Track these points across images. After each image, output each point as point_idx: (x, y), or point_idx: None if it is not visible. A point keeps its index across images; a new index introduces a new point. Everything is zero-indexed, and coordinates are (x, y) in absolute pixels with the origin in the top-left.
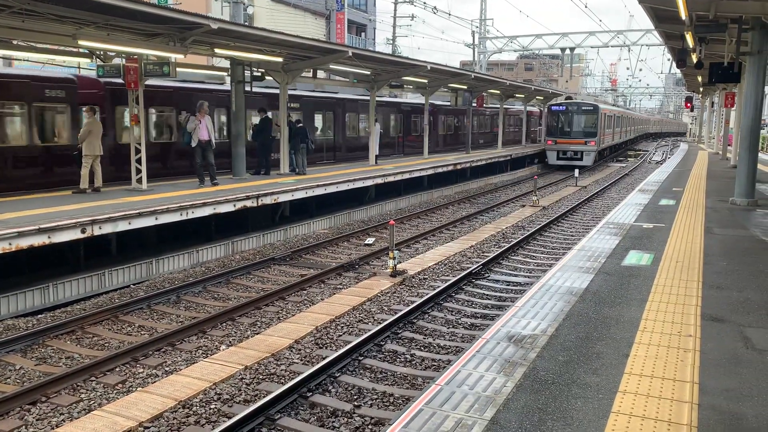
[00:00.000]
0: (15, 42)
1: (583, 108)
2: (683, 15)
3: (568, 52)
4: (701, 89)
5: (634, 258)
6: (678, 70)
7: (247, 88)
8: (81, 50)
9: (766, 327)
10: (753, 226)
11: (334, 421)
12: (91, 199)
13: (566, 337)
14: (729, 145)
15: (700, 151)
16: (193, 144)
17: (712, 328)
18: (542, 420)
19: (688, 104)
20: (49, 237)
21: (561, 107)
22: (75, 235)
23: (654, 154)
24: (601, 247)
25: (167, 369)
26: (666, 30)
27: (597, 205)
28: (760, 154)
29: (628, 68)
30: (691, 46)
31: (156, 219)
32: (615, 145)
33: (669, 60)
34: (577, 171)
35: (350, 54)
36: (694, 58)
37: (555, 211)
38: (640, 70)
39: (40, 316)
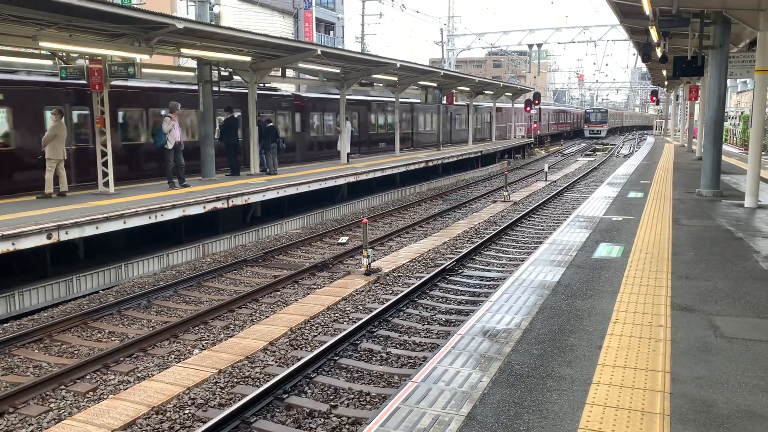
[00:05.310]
0: None
1: (600, 110)
2: (647, 10)
3: (535, 48)
4: (666, 83)
5: (605, 250)
6: (643, 65)
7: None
8: (42, 52)
9: (734, 315)
10: (719, 217)
11: (310, 422)
12: (56, 204)
13: (540, 331)
14: (694, 137)
15: (667, 143)
16: (169, 146)
17: (682, 318)
18: (518, 414)
19: (654, 98)
20: (13, 244)
21: (591, 110)
22: (41, 241)
23: (622, 147)
24: (571, 240)
25: (139, 375)
26: (631, 25)
27: (567, 198)
28: (723, 146)
29: (594, 63)
30: (655, 41)
31: (124, 223)
32: (614, 128)
33: (634, 54)
34: (546, 166)
35: (319, 52)
36: (659, 52)
37: (526, 205)
38: (606, 65)
39: (5, 324)
